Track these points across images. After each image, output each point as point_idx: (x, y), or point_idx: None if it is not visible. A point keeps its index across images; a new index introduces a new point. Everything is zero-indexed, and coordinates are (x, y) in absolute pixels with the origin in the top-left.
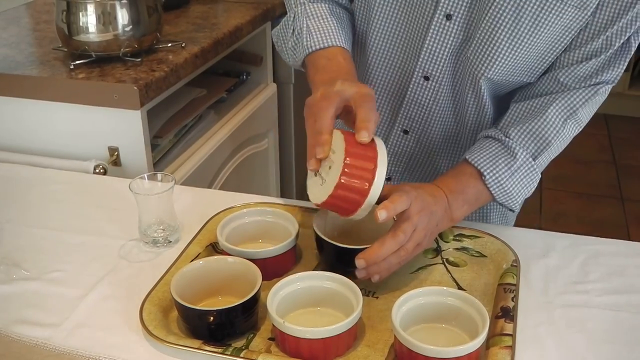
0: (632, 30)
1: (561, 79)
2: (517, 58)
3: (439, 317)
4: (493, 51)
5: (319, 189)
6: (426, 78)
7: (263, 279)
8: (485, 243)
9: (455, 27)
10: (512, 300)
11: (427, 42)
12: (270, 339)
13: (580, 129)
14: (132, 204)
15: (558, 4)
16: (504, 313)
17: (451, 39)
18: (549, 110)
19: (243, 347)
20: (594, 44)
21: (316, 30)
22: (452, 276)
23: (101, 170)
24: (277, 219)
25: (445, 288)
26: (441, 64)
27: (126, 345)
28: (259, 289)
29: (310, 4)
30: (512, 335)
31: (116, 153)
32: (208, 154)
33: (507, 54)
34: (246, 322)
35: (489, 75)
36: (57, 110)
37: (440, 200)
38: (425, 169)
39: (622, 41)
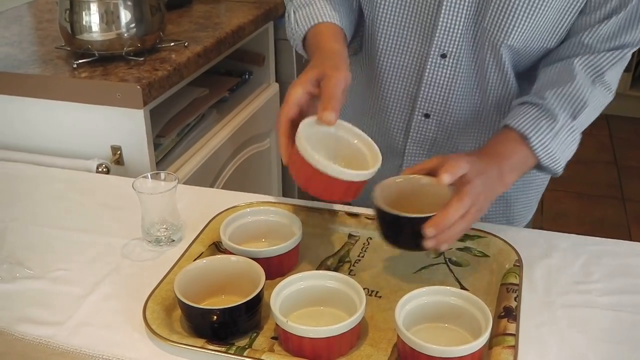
0: None
1: (585, 41)
2: (536, 20)
3: (442, 316)
4: (510, 16)
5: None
6: (443, 56)
7: (266, 278)
8: (488, 243)
9: None
10: (515, 300)
11: (441, 18)
12: (273, 338)
13: (611, 95)
14: (134, 203)
15: None
16: (507, 313)
17: (465, 11)
18: (578, 71)
19: (246, 346)
20: (612, 2)
21: (302, 16)
22: (455, 276)
23: (104, 169)
24: (280, 218)
25: (448, 288)
26: (457, 38)
27: (129, 344)
28: (262, 288)
29: None
30: (515, 335)
31: (119, 152)
32: (210, 153)
33: (524, 17)
34: (249, 321)
35: (509, 43)
36: (60, 109)
37: (493, 165)
38: (448, 153)
39: None
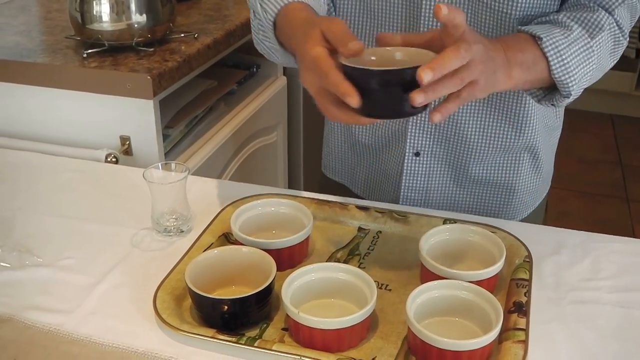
0: None
1: None
2: None
3: (453, 310)
4: None
5: None
6: None
7: (277, 270)
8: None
9: None
10: (525, 295)
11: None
12: (283, 329)
13: (620, 41)
14: (144, 193)
15: None
16: (517, 308)
17: None
18: (586, 3)
19: (256, 337)
20: None
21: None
22: None
23: (113, 159)
24: (290, 210)
25: (459, 282)
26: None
27: (139, 333)
28: (274, 279)
29: None
30: (525, 330)
31: (128, 142)
32: (218, 145)
33: None
34: (260, 312)
35: (515, 14)
36: (69, 99)
37: (498, 49)
38: (454, 140)
39: None
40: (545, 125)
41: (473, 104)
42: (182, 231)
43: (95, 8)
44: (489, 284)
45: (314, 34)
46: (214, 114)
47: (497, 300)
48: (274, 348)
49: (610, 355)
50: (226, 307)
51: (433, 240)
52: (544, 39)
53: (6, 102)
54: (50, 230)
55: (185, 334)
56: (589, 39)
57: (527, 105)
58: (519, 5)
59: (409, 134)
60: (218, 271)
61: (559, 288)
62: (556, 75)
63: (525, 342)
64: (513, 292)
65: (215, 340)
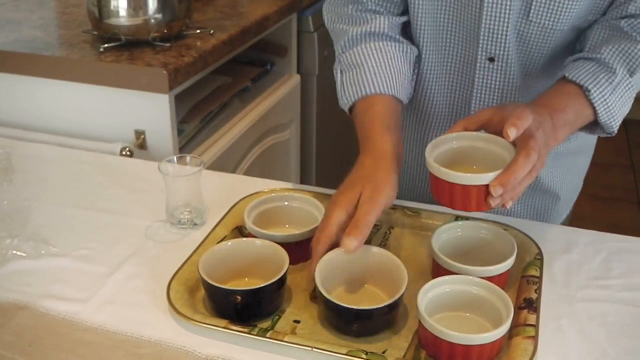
0: None
1: (629, 9)
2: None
3: (464, 305)
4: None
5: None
6: (491, 60)
7: (289, 263)
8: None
9: None
10: (535, 292)
11: (483, 22)
12: (295, 321)
13: None
14: (158, 185)
15: None
16: (527, 304)
17: (508, 10)
18: (627, 30)
19: (268, 328)
20: None
21: (349, 81)
22: None
23: (127, 153)
24: (303, 204)
25: (470, 277)
26: (503, 39)
27: (152, 323)
28: (286, 271)
29: (346, 52)
30: (536, 326)
31: (142, 136)
32: (231, 141)
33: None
34: (272, 304)
35: (560, 27)
36: (86, 92)
37: (546, 118)
38: None
39: None
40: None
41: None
42: (196, 224)
43: (113, 3)
44: (500, 280)
45: (351, 196)
46: (229, 110)
47: (508, 296)
48: (285, 339)
49: (620, 352)
50: (239, 298)
51: (445, 236)
52: (592, 91)
53: (23, 95)
54: (65, 220)
55: (198, 324)
56: (629, 78)
57: None
58: (563, 19)
59: None
60: (231, 263)
61: (569, 286)
62: (602, 121)
63: (535, 338)
64: (524, 288)
65: (227, 330)
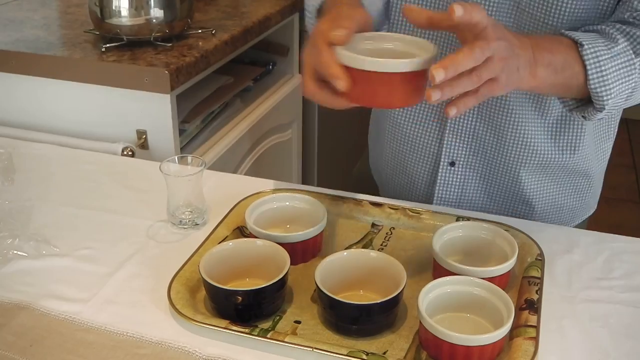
0: None
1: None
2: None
3: (464, 306)
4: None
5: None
6: None
7: (290, 263)
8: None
9: None
10: (537, 293)
11: None
12: (296, 321)
13: None
14: (160, 185)
15: None
16: (528, 305)
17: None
18: (633, 21)
19: (269, 329)
20: None
21: None
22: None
23: (129, 153)
24: (305, 205)
25: (471, 278)
26: None
27: (153, 323)
28: (287, 272)
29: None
30: (536, 327)
31: (144, 136)
32: (233, 141)
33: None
34: (273, 304)
35: (560, 25)
36: (87, 92)
37: (526, 47)
38: (491, 147)
39: None
40: (595, 145)
41: (515, 115)
42: (197, 224)
43: (115, 3)
44: (501, 281)
45: (332, 13)
46: (230, 110)
47: (509, 297)
48: (286, 340)
49: (622, 353)
50: (240, 298)
51: (446, 236)
52: (586, 46)
53: (25, 95)
54: (66, 220)
55: (199, 324)
56: (633, 56)
57: (575, 125)
58: (565, 17)
59: (445, 142)
60: (232, 263)
61: (571, 286)
62: (592, 86)
63: (536, 339)
64: (525, 289)
65: (228, 331)
